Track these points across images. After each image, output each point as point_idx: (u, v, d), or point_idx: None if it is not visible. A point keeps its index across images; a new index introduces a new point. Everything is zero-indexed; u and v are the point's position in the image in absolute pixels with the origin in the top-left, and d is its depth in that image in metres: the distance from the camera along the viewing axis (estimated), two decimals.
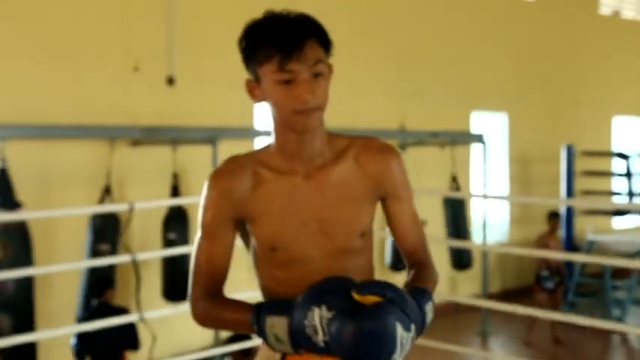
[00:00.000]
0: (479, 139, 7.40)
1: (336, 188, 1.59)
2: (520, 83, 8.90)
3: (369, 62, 7.26)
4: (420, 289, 1.49)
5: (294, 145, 1.57)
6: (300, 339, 1.43)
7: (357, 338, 1.34)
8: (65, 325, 5.01)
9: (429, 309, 1.47)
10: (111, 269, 5.15)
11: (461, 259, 7.16)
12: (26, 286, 4.86)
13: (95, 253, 5.22)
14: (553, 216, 7.04)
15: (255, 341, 5.14)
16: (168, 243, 5.58)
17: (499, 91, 8.65)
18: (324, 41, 1.55)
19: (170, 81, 6.06)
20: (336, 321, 1.38)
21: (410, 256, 1.68)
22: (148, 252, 4.99)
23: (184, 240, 5.60)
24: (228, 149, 6.02)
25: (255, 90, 1.58)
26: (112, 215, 5.33)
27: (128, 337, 4.77)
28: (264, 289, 1.66)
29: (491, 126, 8.64)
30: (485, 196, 7.28)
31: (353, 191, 1.61)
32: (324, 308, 1.39)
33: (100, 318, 4.27)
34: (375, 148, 1.65)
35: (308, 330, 1.41)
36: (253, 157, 1.62)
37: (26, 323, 4.78)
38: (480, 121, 8.49)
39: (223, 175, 1.60)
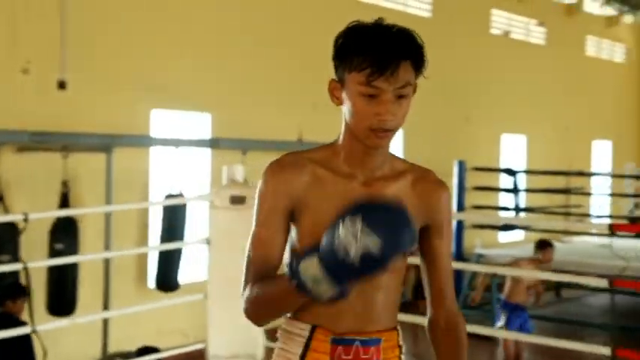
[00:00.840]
0: None
1: None
2: (416, 99, 9.12)
3: (267, 73, 7.31)
4: None
5: (359, 155, 1.59)
6: (335, 267, 1.38)
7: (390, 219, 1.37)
8: None
9: None
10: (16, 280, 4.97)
11: None
12: None
13: None
14: None
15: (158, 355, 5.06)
16: (54, 254, 5.41)
17: None
18: (418, 63, 1.54)
19: (61, 85, 5.90)
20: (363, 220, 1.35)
21: (437, 294, 1.72)
22: (37, 261, 4.82)
23: (73, 251, 5.46)
24: (123, 157, 5.94)
25: (336, 91, 1.59)
26: (10, 224, 5.12)
27: (23, 351, 4.59)
28: None
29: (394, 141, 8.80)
30: None
31: None
32: (347, 221, 1.37)
33: None
34: (432, 180, 1.68)
35: (340, 252, 1.36)
36: (311, 155, 1.63)
37: None
38: None
39: (282, 166, 1.61)
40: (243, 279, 1.61)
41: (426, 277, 1.73)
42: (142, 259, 6.38)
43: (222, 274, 3.69)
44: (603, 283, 4.04)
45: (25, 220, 3.78)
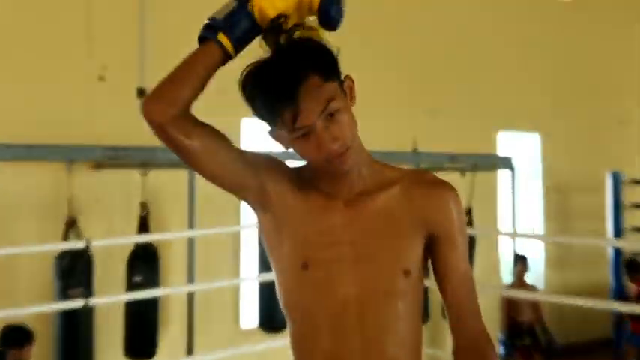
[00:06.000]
0: (506, 163, 7.36)
1: (378, 217, 1.62)
2: (555, 99, 8.86)
3: (376, 74, 7.08)
4: None
5: (332, 178, 1.64)
6: None
7: None
8: None
9: None
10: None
11: None
12: None
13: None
14: (518, 260, 6.67)
15: None
16: (132, 287, 5.49)
17: (530, 108, 8.61)
18: (327, 71, 1.52)
19: (141, 92, 5.89)
20: None
21: (456, 313, 1.61)
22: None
23: (153, 284, 5.40)
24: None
25: (280, 139, 1.61)
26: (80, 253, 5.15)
27: None
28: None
29: (522, 149, 8.63)
30: (514, 234, 7.10)
31: (396, 223, 1.62)
32: None
33: None
34: (430, 180, 1.66)
35: None
36: (297, 170, 1.69)
37: None
38: (508, 144, 8.49)
39: (279, 162, 1.69)
40: None
41: (443, 297, 1.63)
42: (235, 295, 6.25)
43: None
44: None
45: (87, 247, 3.68)
